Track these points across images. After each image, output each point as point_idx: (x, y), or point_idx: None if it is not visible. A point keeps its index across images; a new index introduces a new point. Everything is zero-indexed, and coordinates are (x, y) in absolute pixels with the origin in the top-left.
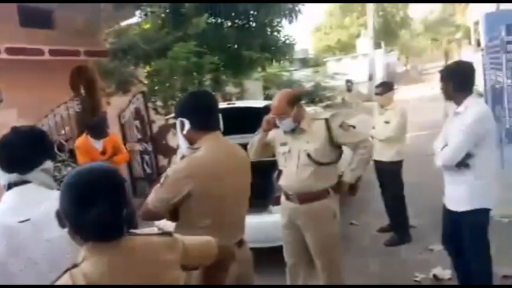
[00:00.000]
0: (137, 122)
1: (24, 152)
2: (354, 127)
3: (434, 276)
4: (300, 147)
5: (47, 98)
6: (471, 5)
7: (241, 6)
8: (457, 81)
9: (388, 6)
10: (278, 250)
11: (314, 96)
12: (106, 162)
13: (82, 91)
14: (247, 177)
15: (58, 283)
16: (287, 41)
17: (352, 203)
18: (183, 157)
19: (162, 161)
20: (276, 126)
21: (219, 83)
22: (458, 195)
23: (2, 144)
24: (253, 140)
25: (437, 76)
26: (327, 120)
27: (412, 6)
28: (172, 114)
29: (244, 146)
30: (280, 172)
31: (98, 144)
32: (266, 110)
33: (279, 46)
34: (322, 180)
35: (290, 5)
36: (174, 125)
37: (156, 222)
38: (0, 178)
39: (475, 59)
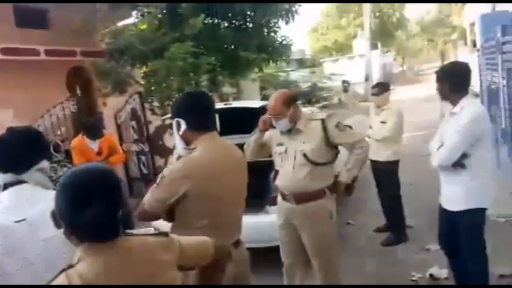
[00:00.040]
0: (134, 123)
1: (19, 152)
2: (350, 127)
3: (431, 275)
4: (296, 147)
5: (43, 98)
6: (467, 6)
7: (238, 6)
8: (453, 81)
9: (384, 7)
10: (275, 250)
11: (311, 96)
12: (102, 163)
13: (78, 91)
14: (244, 177)
15: (54, 284)
16: (284, 42)
17: (349, 202)
18: (179, 157)
19: (159, 161)
20: (272, 126)
21: (215, 83)
22: (455, 195)
23: None
24: (250, 140)
25: (434, 77)
26: (323, 120)
27: (408, 7)
28: (169, 115)
29: (241, 147)
30: (276, 172)
31: (94, 145)
32: (262, 110)
33: (275, 47)
34: (318, 181)
35: (287, 6)
36: (170, 126)
37: (153, 223)
38: None
39: (471, 60)
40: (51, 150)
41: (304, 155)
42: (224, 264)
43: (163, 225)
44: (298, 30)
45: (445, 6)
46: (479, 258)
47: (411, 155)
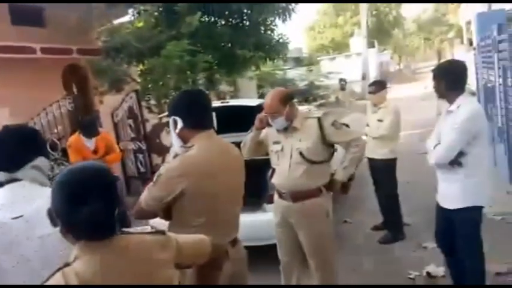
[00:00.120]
0: (130, 121)
1: (12, 150)
2: (347, 125)
3: (428, 273)
4: (292, 145)
5: (39, 96)
6: (463, 4)
7: (234, 4)
8: (450, 80)
9: (381, 5)
10: (272, 248)
11: (308, 95)
12: (98, 161)
13: (74, 90)
14: (241, 175)
15: (50, 282)
16: (281, 40)
17: (346, 201)
18: (176, 156)
19: (156, 159)
20: (268, 124)
21: (212, 81)
22: (451, 193)
23: None
24: (246, 138)
25: (430, 75)
26: (319, 118)
27: (404, 5)
28: (166, 113)
29: (238, 145)
30: (273, 170)
31: (90, 143)
32: (259, 108)
33: (272, 45)
34: (314, 179)
35: (283, 4)
36: (167, 124)
37: (150, 221)
38: None
39: (468, 58)
40: (48, 148)
41: (301, 153)
42: (221, 263)
43: (161, 223)
44: (295, 29)
45: (441, 4)
46: (475, 256)
47: (408, 153)
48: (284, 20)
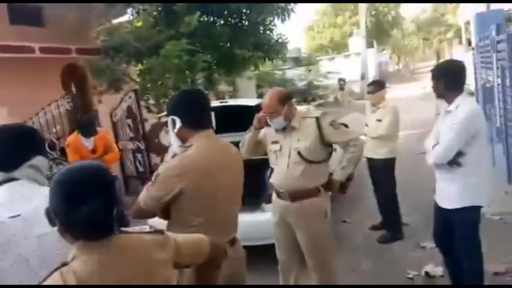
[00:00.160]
0: (129, 121)
1: (10, 150)
2: (345, 125)
3: (426, 273)
4: (290, 145)
5: (38, 96)
6: (462, 5)
7: (233, 4)
8: (448, 79)
9: (380, 5)
10: (271, 248)
11: (307, 94)
12: (97, 161)
13: (73, 89)
14: (240, 175)
15: (48, 282)
16: (280, 40)
17: (345, 200)
18: (174, 155)
19: (155, 159)
20: (267, 124)
21: (211, 81)
22: (450, 193)
23: None
24: (245, 138)
25: (429, 75)
26: (317, 118)
27: (403, 5)
28: (165, 113)
29: (237, 144)
30: (272, 170)
31: (89, 143)
32: (258, 108)
33: (271, 45)
34: (312, 178)
35: (282, 4)
36: (166, 123)
37: (148, 221)
38: None
39: (466, 58)
40: (47, 147)
41: (299, 153)
42: (220, 262)
43: (159, 223)
44: (294, 29)
45: (440, 5)
46: (474, 256)
47: (407, 153)
48: (283, 20)
